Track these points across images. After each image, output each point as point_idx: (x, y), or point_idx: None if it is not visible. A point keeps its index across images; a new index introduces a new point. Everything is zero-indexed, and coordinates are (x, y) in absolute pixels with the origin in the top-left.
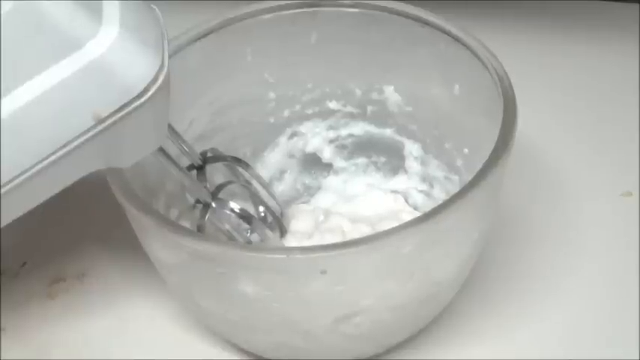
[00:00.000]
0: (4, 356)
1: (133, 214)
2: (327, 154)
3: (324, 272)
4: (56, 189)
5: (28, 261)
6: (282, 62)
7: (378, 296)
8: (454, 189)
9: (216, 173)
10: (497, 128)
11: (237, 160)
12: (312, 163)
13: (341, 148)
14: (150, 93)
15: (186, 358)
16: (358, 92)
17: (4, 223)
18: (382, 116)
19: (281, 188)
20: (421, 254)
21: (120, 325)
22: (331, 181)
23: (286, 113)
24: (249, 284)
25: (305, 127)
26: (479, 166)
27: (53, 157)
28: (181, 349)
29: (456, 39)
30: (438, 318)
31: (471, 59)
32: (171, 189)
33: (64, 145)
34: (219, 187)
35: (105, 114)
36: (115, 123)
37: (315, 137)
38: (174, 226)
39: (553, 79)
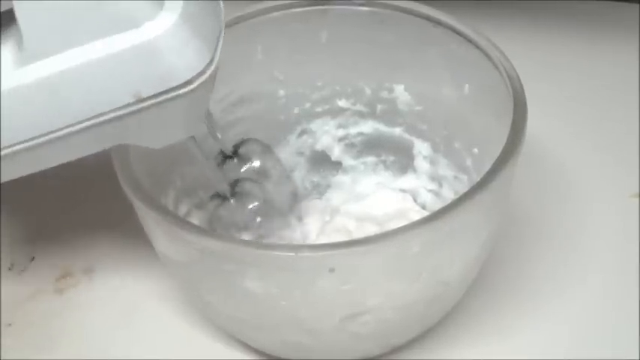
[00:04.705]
0: (10, 351)
1: (141, 209)
2: (336, 152)
3: (332, 271)
4: (82, 153)
5: (36, 256)
6: (292, 60)
7: (386, 295)
8: (463, 188)
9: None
10: (506, 128)
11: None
12: (321, 161)
13: (350, 146)
14: (193, 85)
15: (193, 355)
16: (368, 91)
17: (32, 171)
18: (392, 115)
19: None
20: (429, 254)
21: (127, 320)
22: (340, 179)
23: (296, 111)
24: (256, 282)
25: (314, 125)
26: (488, 166)
27: (86, 124)
28: (188, 345)
29: (467, 39)
30: (445, 318)
31: (481, 59)
32: (181, 184)
33: (100, 115)
34: (236, 182)
35: (145, 95)
36: (152, 106)
37: (325, 135)
38: (182, 223)
39: (554, 79)
